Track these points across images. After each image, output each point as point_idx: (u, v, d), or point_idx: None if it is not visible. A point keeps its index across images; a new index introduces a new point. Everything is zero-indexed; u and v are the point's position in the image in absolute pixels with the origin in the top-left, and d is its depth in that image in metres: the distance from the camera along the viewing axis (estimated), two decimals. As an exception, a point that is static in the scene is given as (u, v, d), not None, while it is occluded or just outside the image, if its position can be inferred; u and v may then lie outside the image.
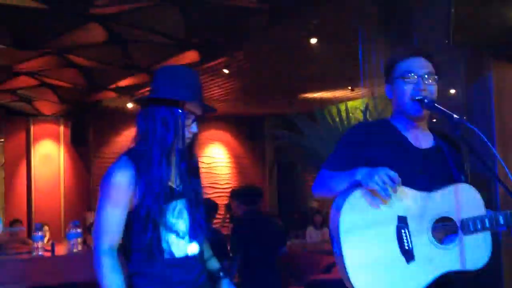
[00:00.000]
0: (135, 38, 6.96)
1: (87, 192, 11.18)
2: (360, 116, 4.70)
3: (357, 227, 2.10)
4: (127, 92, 9.20)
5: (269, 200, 12.36)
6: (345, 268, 2.08)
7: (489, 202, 2.27)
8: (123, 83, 8.81)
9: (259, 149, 12.90)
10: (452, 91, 3.79)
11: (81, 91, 9.35)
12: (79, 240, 3.62)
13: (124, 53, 7.45)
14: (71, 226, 3.66)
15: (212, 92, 9.49)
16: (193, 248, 2.26)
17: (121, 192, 2.12)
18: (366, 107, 4.43)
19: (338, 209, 2.13)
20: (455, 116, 2.12)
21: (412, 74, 2.27)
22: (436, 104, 2.21)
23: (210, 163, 12.40)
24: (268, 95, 9.77)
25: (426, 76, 2.27)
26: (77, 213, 9.89)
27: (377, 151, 2.26)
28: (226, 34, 6.81)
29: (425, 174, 2.24)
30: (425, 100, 2.23)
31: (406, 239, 2.12)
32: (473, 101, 3.46)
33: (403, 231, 2.13)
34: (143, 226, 2.14)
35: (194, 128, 2.23)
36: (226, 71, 7.93)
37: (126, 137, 11.80)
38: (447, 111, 2.15)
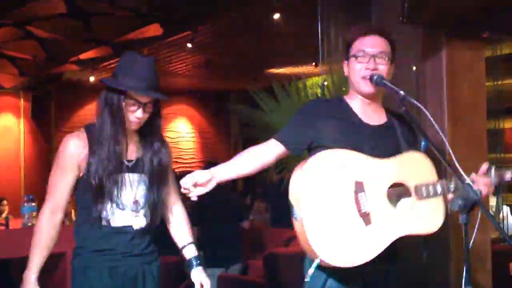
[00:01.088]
0: (97, 11, 6.85)
1: (48, 166, 11.02)
2: (319, 92, 4.74)
3: (315, 192, 2.15)
4: (89, 65, 9.08)
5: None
6: (304, 232, 2.13)
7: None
8: (85, 56, 8.67)
9: (224, 124, 12.91)
10: (413, 68, 3.84)
11: (41, 64, 9.18)
12: (34, 213, 3.60)
13: (85, 26, 7.32)
14: (26, 200, 3.63)
15: (176, 67, 9.43)
16: (135, 221, 2.41)
17: (68, 159, 2.35)
18: (323, 84, 4.47)
19: (296, 176, 2.19)
20: (401, 92, 2.17)
21: (364, 52, 2.32)
22: (384, 81, 2.26)
23: (174, 138, 12.36)
24: (233, 70, 9.75)
25: (377, 55, 2.32)
26: (37, 188, 9.78)
27: (325, 125, 2.32)
28: (189, 8, 6.75)
29: (374, 150, 2.30)
30: (374, 77, 2.28)
31: (363, 203, 2.19)
32: (426, 78, 3.52)
33: (359, 195, 2.20)
34: (86, 194, 2.35)
35: (138, 113, 2.39)
36: (189, 45, 7.87)
37: (88, 110, 11.67)
38: (394, 87, 2.20)
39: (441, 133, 2.10)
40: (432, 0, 3.35)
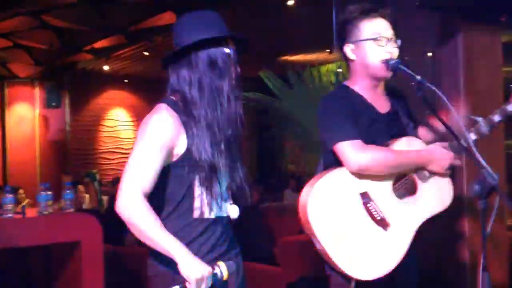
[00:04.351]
0: (110, -1, 6.86)
1: (63, 155, 11.13)
2: (333, 79, 4.72)
3: (328, 219, 2.14)
4: (103, 54, 9.10)
5: (249, 162, 12.42)
6: (333, 261, 2.13)
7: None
8: (99, 44, 8.69)
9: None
10: (430, 54, 3.80)
11: (56, 53, 9.21)
12: (50, 202, 3.62)
13: (99, 14, 7.32)
14: (41, 188, 3.65)
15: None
16: (233, 210, 2.07)
17: (160, 139, 1.90)
18: (338, 70, 4.45)
19: (305, 207, 2.15)
20: (418, 77, 2.14)
21: (382, 36, 2.27)
22: (401, 66, 2.23)
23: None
24: (248, 56, 9.67)
25: (392, 38, 2.28)
26: (52, 177, 9.86)
27: (351, 121, 2.25)
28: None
29: (388, 139, 2.28)
30: (391, 62, 2.25)
31: (375, 210, 2.18)
32: (442, 64, 3.48)
33: (369, 205, 2.18)
34: (179, 180, 1.96)
35: (238, 68, 2.05)
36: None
37: (103, 99, 11.73)
38: (411, 72, 2.17)
39: (459, 120, 2.07)
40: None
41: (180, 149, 1.94)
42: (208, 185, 1.96)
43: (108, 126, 11.86)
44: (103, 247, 3.82)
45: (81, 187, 8.80)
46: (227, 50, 2.01)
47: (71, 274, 3.86)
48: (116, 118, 11.95)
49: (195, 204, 1.97)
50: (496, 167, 3.11)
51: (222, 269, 1.86)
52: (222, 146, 2.00)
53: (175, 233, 1.90)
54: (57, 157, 11.01)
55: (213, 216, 2.00)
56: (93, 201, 8.76)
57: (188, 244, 1.92)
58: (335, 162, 2.24)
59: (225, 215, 2.05)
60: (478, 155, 1.99)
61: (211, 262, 1.91)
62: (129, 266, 4.58)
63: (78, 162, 11.20)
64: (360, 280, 2.13)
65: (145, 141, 1.90)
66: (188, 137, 1.94)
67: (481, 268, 1.88)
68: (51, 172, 10.51)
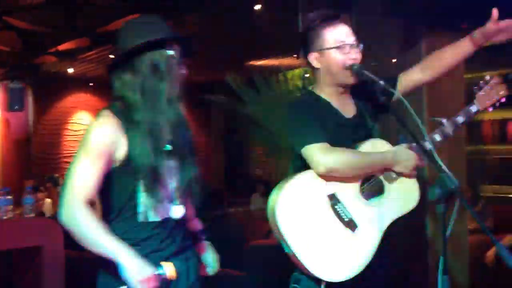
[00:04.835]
0: (76, 0, 6.76)
1: (26, 159, 10.93)
2: (299, 84, 4.75)
3: (297, 224, 2.17)
4: (68, 56, 8.97)
5: (215, 168, 12.38)
6: (302, 263, 2.16)
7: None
8: (64, 47, 8.57)
9: (205, 116, 12.85)
10: (394, 60, 3.85)
11: (19, 55, 9.04)
12: (10, 207, 3.55)
13: (64, 16, 7.22)
14: (2, 193, 3.58)
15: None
16: (177, 211, 2.08)
17: (101, 147, 1.93)
18: (304, 75, 4.48)
19: (274, 210, 2.17)
20: (381, 82, 2.17)
21: (344, 43, 2.29)
22: (364, 71, 2.25)
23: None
24: (216, 61, 9.68)
25: (355, 44, 2.30)
26: (15, 181, 9.66)
27: (319, 125, 2.28)
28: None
29: (355, 143, 2.31)
30: (355, 67, 2.27)
31: (343, 212, 2.21)
32: (405, 68, 3.53)
33: (336, 207, 2.21)
34: (122, 185, 1.99)
35: (183, 68, 2.06)
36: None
37: (68, 102, 11.57)
38: (374, 77, 2.19)
39: (419, 124, 2.10)
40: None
41: (120, 154, 1.96)
42: (151, 189, 1.97)
43: (72, 130, 11.70)
44: (65, 253, 3.76)
45: (40, 194, 8.62)
46: (170, 52, 2.01)
47: (32, 280, 3.79)
48: (81, 122, 11.79)
49: (139, 209, 1.99)
50: (458, 172, 3.18)
51: (167, 269, 1.90)
52: (167, 149, 2.02)
53: (121, 236, 1.94)
54: (20, 161, 10.80)
55: (158, 219, 2.02)
56: (56, 206, 8.61)
57: (134, 246, 1.94)
58: (304, 166, 2.26)
59: (172, 216, 2.07)
60: (438, 159, 2.03)
61: (157, 263, 1.94)
62: (90, 272, 4.51)
63: (41, 166, 11.00)
64: (329, 281, 2.15)
65: (85, 148, 1.94)
66: (129, 142, 1.96)
67: (440, 271, 1.91)
68: (13, 177, 10.30)
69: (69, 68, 9.75)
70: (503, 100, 2.44)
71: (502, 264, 1.77)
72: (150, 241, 2.02)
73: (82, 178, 1.92)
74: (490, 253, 4.79)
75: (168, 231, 2.06)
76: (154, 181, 1.98)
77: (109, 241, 1.89)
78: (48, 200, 8.79)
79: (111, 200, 2.01)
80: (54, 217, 7.68)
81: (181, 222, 2.12)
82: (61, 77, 10.49)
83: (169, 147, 2.04)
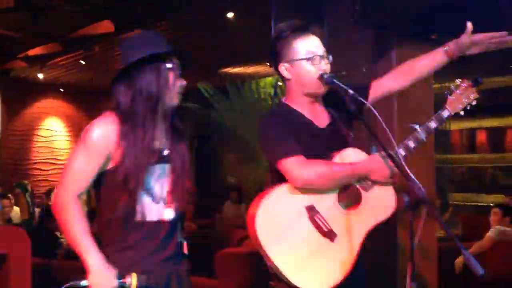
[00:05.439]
0: (46, 5, 6.67)
1: (-5, 165, 10.74)
2: (271, 92, 4.76)
3: (277, 236, 2.18)
4: (37, 61, 8.85)
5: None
6: (284, 275, 2.16)
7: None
8: (33, 52, 8.45)
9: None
10: (364, 69, 3.89)
11: (-13, 60, 8.91)
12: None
13: (34, 20, 7.12)
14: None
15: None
16: (168, 214, 2.16)
17: (98, 146, 2.06)
18: (277, 84, 4.49)
19: (253, 222, 2.18)
20: (350, 91, 2.19)
21: (315, 54, 2.31)
22: (335, 80, 2.27)
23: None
24: (188, 68, 9.61)
25: (324, 55, 2.32)
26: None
27: (297, 138, 2.29)
28: (142, 6, 6.65)
29: (330, 152, 2.32)
30: (325, 77, 2.29)
31: (322, 222, 2.22)
32: (377, 76, 3.57)
33: (315, 218, 2.22)
34: (118, 185, 2.07)
35: (183, 80, 2.18)
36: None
37: (38, 108, 11.40)
38: (344, 86, 2.21)
39: (388, 132, 2.12)
40: (383, 2, 3.41)
41: (117, 156, 2.06)
42: (147, 190, 2.09)
43: (42, 136, 11.53)
44: (32, 261, 3.70)
45: (5, 201, 8.43)
46: (169, 65, 2.13)
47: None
48: (51, 128, 11.63)
49: (137, 208, 2.08)
50: (426, 180, 3.22)
51: (133, 279, 1.99)
52: (162, 154, 2.14)
53: (118, 235, 2.09)
54: (-11, 168, 10.61)
55: (155, 219, 2.11)
56: (24, 214, 8.45)
57: (131, 247, 2.08)
58: (281, 179, 2.27)
59: (166, 218, 2.14)
60: (406, 168, 2.05)
61: (156, 265, 2.08)
62: (58, 280, 4.45)
63: (10, 173, 10.81)
64: None
65: (82, 146, 2.07)
66: (126, 146, 2.06)
67: (409, 278, 1.93)
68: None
69: (39, 73, 9.61)
70: (474, 103, 2.48)
71: (470, 271, 1.80)
72: (146, 242, 2.10)
73: (77, 174, 2.06)
74: (459, 260, 4.86)
75: (165, 233, 2.14)
76: (150, 183, 2.10)
77: (83, 241, 2.01)
78: (16, 208, 8.63)
79: (109, 199, 2.10)
80: (22, 224, 7.57)
81: (175, 226, 2.19)
82: (31, 83, 10.34)
83: (165, 152, 2.15)
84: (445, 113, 2.41)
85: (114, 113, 2.11)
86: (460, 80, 2.49)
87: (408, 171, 2.03)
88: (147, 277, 2.03)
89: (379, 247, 3.40)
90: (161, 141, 2.16)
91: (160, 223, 2.13)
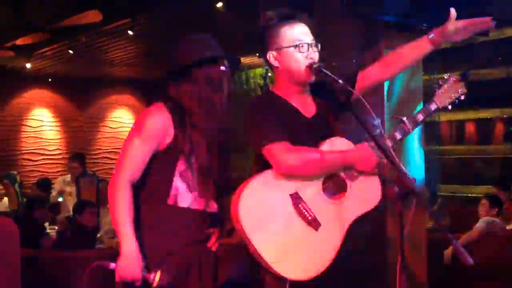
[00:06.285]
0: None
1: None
2: (261, 83, 4.74)
3: (260, 222, 2.16)
4: (25, 51, 8.76)
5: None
6: (266, 263, 2.15)
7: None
8: (21, 41, 8.36)
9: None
10: (354, 60, 3.88)
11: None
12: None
13: (19, 10, 7.04)
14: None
15: (115, 55, 9.22)
16: (211, 206, 2.31)
17: (152, 131, 2.22)
18: (267, 74, 4.47)
19: (237, 210, 2.17)
20: (340, 81, 2.18)
21: (302, 42, 2.29)
22: (324, 70, 2.26)
23: (116, 128, 12.15)
24: (235, 74, 9.54)
25: (313, 43, 2.31)
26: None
27: (279, 124, 2.29)
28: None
29: (315, 142, 2.31)
30: (314, 66, 2.27)
31: (306, 211, 2.21)
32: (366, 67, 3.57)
33: (299, 205, 2.21)
34: (164, 164, 2.25)
35: (231, 83, 2.36)
36: (130, 32, 7.70)
37: (25, 98, 11.31)
38: (333, 76, 2.20)
39: (378, 122, 2.12)
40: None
41: (165, 143, 2.23)
42: (186, 178, 2.24)
43: (31, 127, 11.44)
44: (21, 252, 3.68)
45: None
46: (222, 68, 2.31)
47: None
48: (40, 118, 11.54)
49: (172, 192, 2.24)
50: (415, 172, 3.21)
51: (156, 277, 2.08)
52: (212, 150, 2.29)
53: (149, 214, 2.24)
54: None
55: (186, 206, 2.25)
56: (13, 204, 8.40)
57: (158, 226, 2.23)
58: (266, 166, 2.25)
59: (204, 209, 2.28)
60: (396, 159, 2.05)
61: (182, 247, 2.22)
62: (46, 271, 4.44)
63: (-2, 163, 10.74)
64: (294, 280, 2.14)
65: (138, 131, 2.23)
66: (177, 133, 2.22)
67: (398, 268, 1.93)
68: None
69: (26, 63, 9.52)
70: (462, 98, 2.49)
71: (459, 262, 1.80)
72: (174, 225, 2.24)
73: (132, 159, 2.21)
74: (448, 251, 4.89)
75: (199, 222, 2.28)
76: (191, 172, 2.24)
77: (123, 226, 2.14)
78: (4, 198, 8.57)
79: (149, 179, 2.27)
80: (10, 214, 7.51)
81: (215, 218, 2.33)
82: (18, 73, 10.24)
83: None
84: (433, 106, 2.43)
85: (169, 106, 2.26)
86: (449, 74, 2.50)
87: (398, 161, 2.03)
88: (172, 276, 2.12)
89: (369, 238, 3.41)
90: (215, 137, 2.31)
91: (190, 210, 2.26)
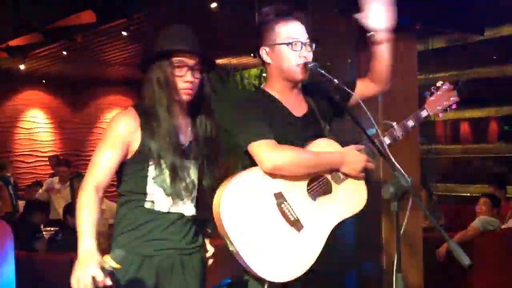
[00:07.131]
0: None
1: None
2: (256, 83, 4.73)
3: (241, 221, 2.12)
4: (19, 52, 8.73)
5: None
6: (246, 262, 2.11)
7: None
8: (15, 42, 8.34)
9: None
10: (349, 60, 3.87)
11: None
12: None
13: (14, 11, 7.02)
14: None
15: (111, 56, 9.21)
16: (186, 209, 2.25)
17: (118, 137, 2.18)
18: (261, 74, 4.47)
19: (218, 208, 2.13)
20: (335, 80, 2.17)
21: (296, 40, 2.28)
22: (319, 69, 2.24)
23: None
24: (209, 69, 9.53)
25: (307, 42, 2.30)
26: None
27: (268, 122, 2.26)
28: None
29: (304, 142, 2.29)
30: (309, 65, 2.26)
31: (289, 211, 2.17)
32: (361, 69, 3.56)
33: (283, 206, 2.17)
34: (137, 170, 2.21)
35: (188, 76, 2.18)
36: (124, 33, 7.68)
37: (20, 100, 11.28)
38: (328, 75, 2.19)
39: (373, 122, 2.10)
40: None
41: (134, 146, 2.18)
42: (161, 182, 2.19)
43: (24, 128, 11.41)
44: (15, 253, 3.66)
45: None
46: (176, 62, 2.17)
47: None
48: (34, 120, 11.51)
49: (147, 197, 2.20)
50: (412, 171, 3.22)
51: (109, 261, 1.96)
52: (181, 150, 2.20)
53: (128, 218, 2.22)
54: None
55: (164, 210, 2.20)
56: (7, 206, 8.36)
57: (135, 229, 2.20)
58: (252, 164, 2.23)
59: (181, 212, 2.23)
60: (392, 158, 2.04)
61: (159, 251, 2.19)
62: (40, 273, 4.43)
63: (-9, 165, 10.69)
64: (273, 282, 2.12)
65: (105, 137, 2.20)
66: (145, 137, 2.17)
67: (395, 269, 1.92)
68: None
69: (21, 64, 9.49)
70: (454, 106, 2.49)
71: (453, 261, 1.79)
72: (151, 227, 2.20)
73: (98, 165, 2.16)
74: (442, 249, 4.89)
75: (175, 225, 2.23)
76: (165, 176, 2.18)
77: (81, 227, 2.06)
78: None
79: (126, 186, 2.24)
80: (5, 216, 7.48)
81: (192, 221, 2.27)
82: (13, 74, 10.21)
83: (189, 145, 2.24)
84: (424, 113, 2.44)
85: (140, 107, 2.21)
86: (442, 82, 2.50)
87: (394, 161, 2.02)
88: (123, 251, 2.02)
89: (364, 239, 3.40)
90: (185, 136, 2.24)
91: (169, 214, 2.21)
